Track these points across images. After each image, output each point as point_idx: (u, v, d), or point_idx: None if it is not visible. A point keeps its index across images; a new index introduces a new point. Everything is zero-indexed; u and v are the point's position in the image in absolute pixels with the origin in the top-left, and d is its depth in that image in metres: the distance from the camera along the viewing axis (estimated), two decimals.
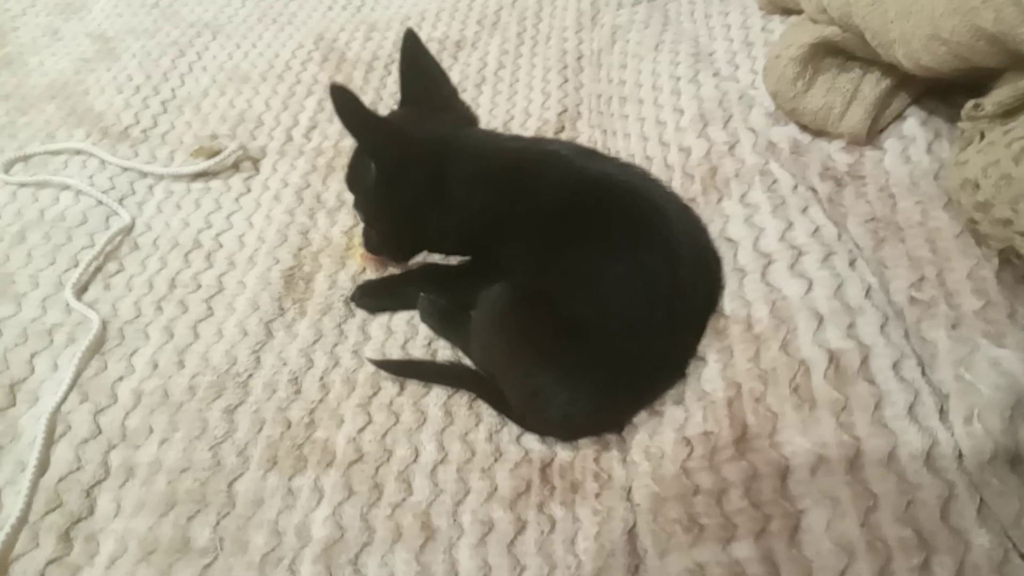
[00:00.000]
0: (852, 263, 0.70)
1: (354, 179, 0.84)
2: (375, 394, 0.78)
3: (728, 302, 0.73)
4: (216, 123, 1.16)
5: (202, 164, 1.05)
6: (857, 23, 0.78)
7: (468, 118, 0.86)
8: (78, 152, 1.11)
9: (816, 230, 0.73)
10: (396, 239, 0.86)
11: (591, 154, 0.84)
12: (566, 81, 1.18)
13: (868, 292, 0.67)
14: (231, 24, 1.41)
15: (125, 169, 1.08)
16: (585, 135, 1.10)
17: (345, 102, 0.72)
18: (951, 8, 0.67)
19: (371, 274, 0.91)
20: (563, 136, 1.10)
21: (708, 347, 0.72)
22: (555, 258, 0.74)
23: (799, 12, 0.97)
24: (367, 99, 1.18)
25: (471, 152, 0.80)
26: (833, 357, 0.63)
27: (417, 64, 0.84)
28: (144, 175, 1.07)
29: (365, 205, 0.84)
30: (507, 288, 0.75)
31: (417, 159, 0.78)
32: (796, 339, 0.66)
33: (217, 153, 1.07)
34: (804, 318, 0.67)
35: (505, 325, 0.74)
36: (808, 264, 0.71)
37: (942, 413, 0.59)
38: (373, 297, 0.88)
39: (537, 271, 0.75)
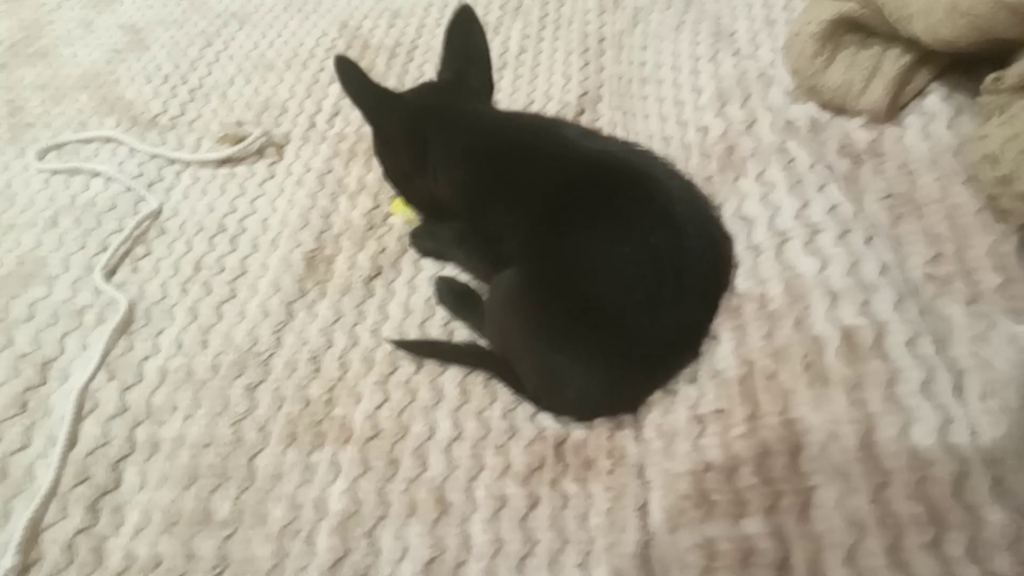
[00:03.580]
0: (868, 240, 0.69)
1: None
2: (392, 372, 0.79)
3: (742, 280, 0.72)
4: (242, 110, 1.18)
5: (227, 150, 1.07)
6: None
7: (484, 95, 0.88)
8: (108, 140, 1.13)
9: (833, 208, 0.72)
10: (408, 197, 0.92)
11: (590, 134, 0.85)
12: (587, 64, 1.18)
13: (884, 269, 0.66)
14: (257, 13, 1.42)
15: (153, 156, 1.10)
16: (606, 117, 1.09)
17: (347, 71, 0.80)
18: None
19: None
20: (583, 119, 1.10)
21: (722, 325, 0.71)
22: (561, 238, 0.74)
23: None
24: (389, 84, 1.19)
25: (460, 125, 0.83)
26: (847, 334, 0.63)
27: (458, 38, 0.87)
28: (172, 161, 1.10)
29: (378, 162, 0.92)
30: (518, 272, 0.76)
31: (406, 126, 0.83)
32: (809, 316, 0.66)
33: (242, 140, 1.09)
34: (818, 295, 0.66)
35: (517, 308, 0.75)
36: (824, 242, 0.70)
37: (957, 390, 0.58)
38: (424, 240, 0.93)
39: (545, 252, 0.75)
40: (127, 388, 0.80)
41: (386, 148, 0.89)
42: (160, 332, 0.86)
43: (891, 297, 0.64)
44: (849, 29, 0.83)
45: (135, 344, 0.85)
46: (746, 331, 0.69)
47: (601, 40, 1.22)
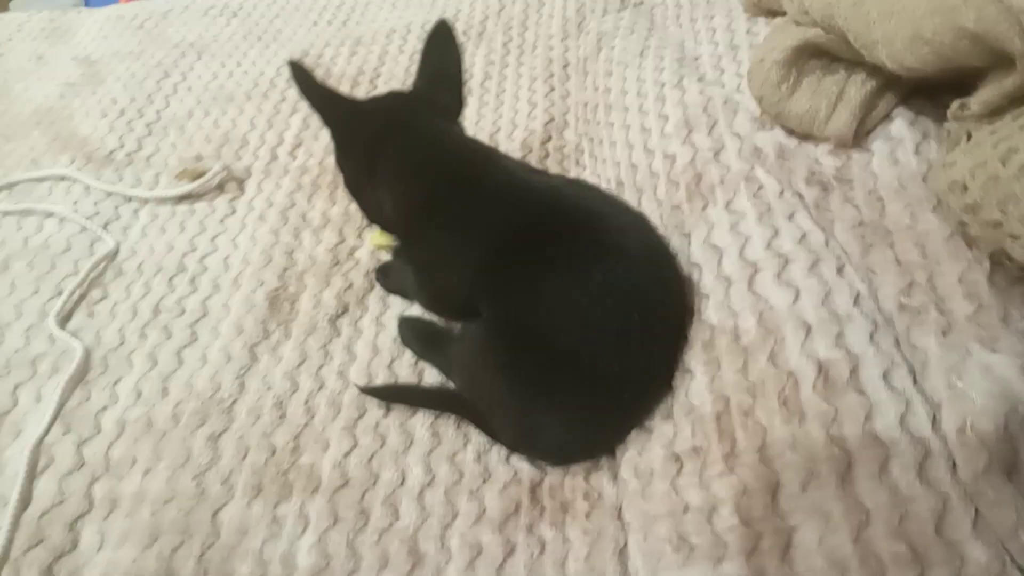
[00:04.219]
0: (840, 270, 0.68)
1: None
2: (361, 416, 0.77)
3: (714, 312, 0.71)
4: (201, 144, 1.15)
5: (186, 186, 1.04)
6: (839, 24, 0.77)
7: (452, 112, 0.85)
8: (62, 178, 1.10)
9: (803, 237, 0.72)
10: (362, 207, 0.88)
11: (536, 171, 0.85)
12: (552, 90, 1.17)
13: (856, 299, 0.66)
14: (216, 43, 1.40)
15: (109, 194, 1.07)
16: (572, 144, 1.08)
17: (301, 76, 0.79)
18: (932, 8, 0.66)
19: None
20: (549, 146, 1.09)
21: (695, 359, 0.70)
22: (521, 283, 0.72)
23: (783, 14, 0.96)
24: None
25: (413, 142, 0.80)
26: (822, 368, 0.62)
27: (434, 52, 0.85)
28: (129, 199, 1.07)
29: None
30: (483, 325, 0.74)
31: (358, 135, 0.81)
32: (784, 350, 0.65)
33: (202, 175, 1.06)
34: (792, 328, 0.66)
35: (486, 362, 0.72)
36: (795, 272, 0.69)
37: (934, 422, 0.58)
38: (389, 277, 0.92)
39: (505, 298, 0.73)
40: (84, 441, 0.77)
41: (341, 154, 0.85)
42: (118, 380, 0.83)
43: (865, 328, 0.63)
44: (813, 55, 0.83)
45: (92, 394, 0.81)
46: (720, 365, 0.68)
47: (565, 66, 1.22)
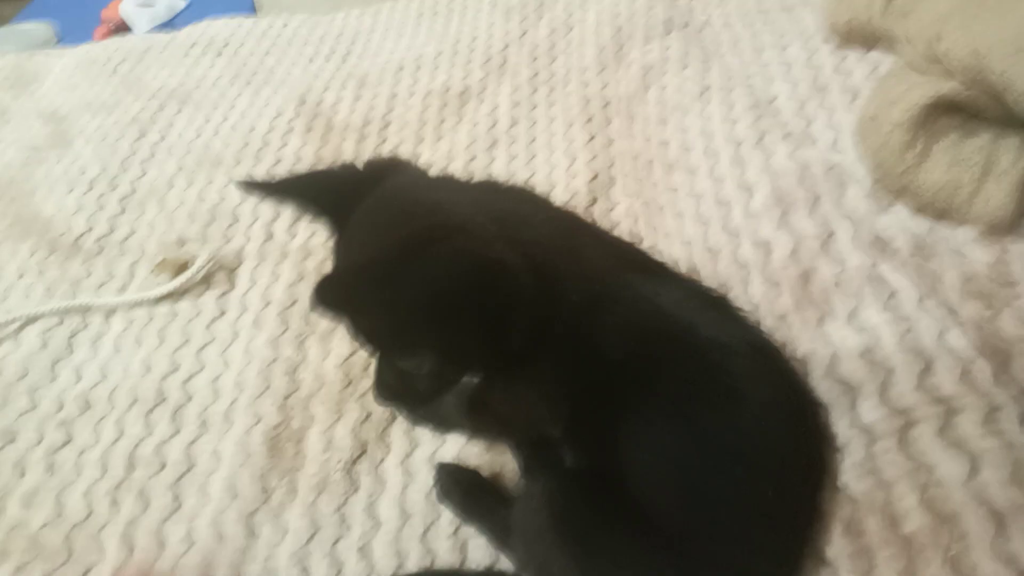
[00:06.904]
0: None
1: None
2: None
3: (856, 479, 0.54)
4: (183, 222, 0.98)
5: (166, 286, 0.87)
6: (993, 77, 0.59)
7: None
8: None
9: (965, 371, 0.54)
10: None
11: (645, 260, 0.63)
12: (592, 138, 0.99)
13: None
14: (199, 90, 1.22)
15: (74, 307, 0.89)
16: (622, 206, 0.90)
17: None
18: None
19: None
20: (595, 210, 0.91)
21: (837, 547, 0.52)
22: (610, 421, 0.55)
23: (883, 40, 0.78)
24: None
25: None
26: None
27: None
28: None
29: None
30: (556, 476, 0.57)
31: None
32: (969, 551, 0.47)
33: (184, 266, 0.89)
34: (976, 517, 0.48)
35: (557, 527, 0.55)
36: (966, 428, 0.52)
37: None
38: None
39: (591, 444, 0.57)
40: None
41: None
42: (87, 572, 0.65)
43: None
44: (945, 112, 0.65)
45: None
46: (874, 561, 0.51)
47: (605, 105, 1.03)
